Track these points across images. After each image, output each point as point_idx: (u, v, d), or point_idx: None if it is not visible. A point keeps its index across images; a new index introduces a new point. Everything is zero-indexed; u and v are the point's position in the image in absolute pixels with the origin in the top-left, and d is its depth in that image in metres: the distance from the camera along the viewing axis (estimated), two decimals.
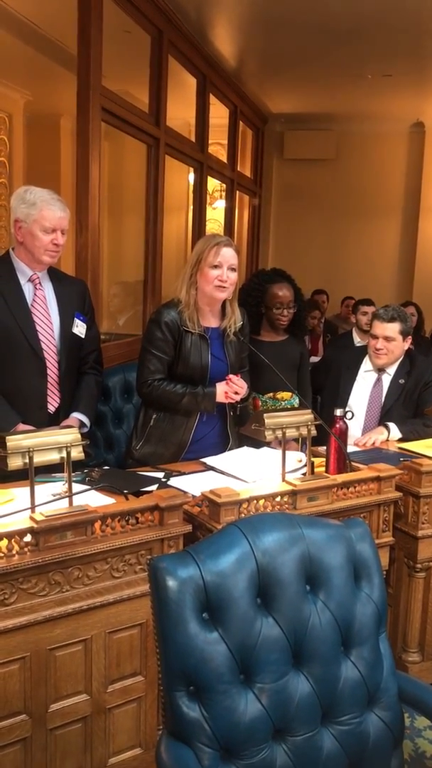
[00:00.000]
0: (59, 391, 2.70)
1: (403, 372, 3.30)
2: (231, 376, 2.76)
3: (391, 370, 3.32)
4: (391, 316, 3.22)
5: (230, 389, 2.72)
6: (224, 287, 2.69)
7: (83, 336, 2.78)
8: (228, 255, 2.68)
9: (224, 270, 2.67)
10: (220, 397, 2.74)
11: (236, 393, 2.74)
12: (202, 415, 2.80)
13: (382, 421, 3.26)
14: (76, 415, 2.72)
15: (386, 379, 3.31)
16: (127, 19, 4.55)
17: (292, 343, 3.49)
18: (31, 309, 2.64)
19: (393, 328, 3.21)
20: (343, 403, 3.26)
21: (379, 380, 3.32)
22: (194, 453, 2.80)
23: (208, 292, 2.71)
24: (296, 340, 3.52)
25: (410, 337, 3.30)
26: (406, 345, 3.30)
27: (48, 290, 2.71)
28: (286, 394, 3.33)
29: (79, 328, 2.75)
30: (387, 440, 3.13)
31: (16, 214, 2.60)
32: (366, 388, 3.34)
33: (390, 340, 3.23)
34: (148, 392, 2.77)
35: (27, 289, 2.65)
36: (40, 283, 2.67)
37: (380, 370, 3.32)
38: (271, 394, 3.37)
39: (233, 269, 2.69)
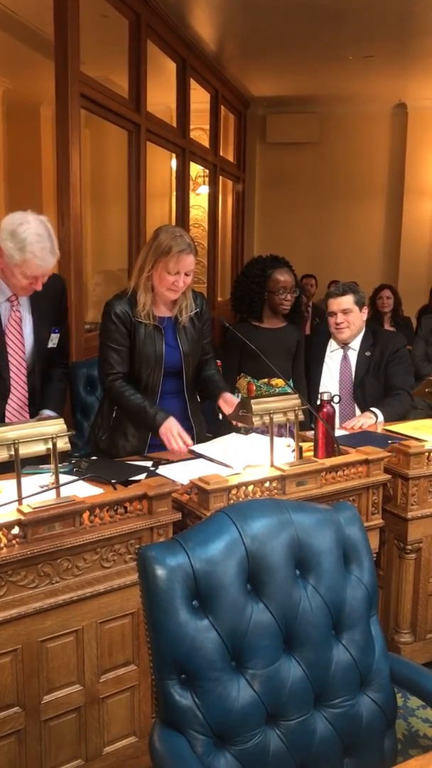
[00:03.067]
0: (28, 408, 2.65)
1: (368, 345, 3.38)
2: (186, 437, 2.65)
3: (356, 345, 3.39)
4: (343, 289, 3.34)
5: (174, 438, 2.61)
6: (179, 291, 2.70)
7: (56, 345, 2.72)
8: (187, 262, 2.65)
9: (181, 276, 2.66)
10: (163, 436, 2.65)
11: (180, 440, 2.64)
12: (161, 405, 2.77)
13: (356, 395, 3.32)
14: (47, 412, 2.67)
15: (352, 355, 3.39)
16: (104, 4, 4.50)
17: (290, 330, 3.47)
18: (5, 330, 2.55)
19: (347, 300, 3.31)
20: (316, 386, 3.34)
21: (345, 356, 3.40)
22: (159, 446, 2.74)
23: (162, 294, 2.71)
24: (294, 328, 3.50)
25: (366, 307, 3.40)
26: (364, 315, 3.38)
27: (24, 309, 2.62)
28: (280, 381, 3.34)
29: (54, 341, 2.70)
30: (375, 424, 3.15)
31: (2, 243, 2.41)
32: (335, 367, 3.41)
33: (348, 312, 3.31)
34: (109, 387, 2.75)
35: (3, 308, 2.56)
36: (17, 300, 2.58)
37: (345, 346, 3.39)
38: (266, 380, 3.38)
39: (188, 274, 2.68)
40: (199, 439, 2.87)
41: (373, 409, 3.21)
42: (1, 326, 2.54)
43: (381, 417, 3.19)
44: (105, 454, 2.81)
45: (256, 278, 3.39)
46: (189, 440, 2.65)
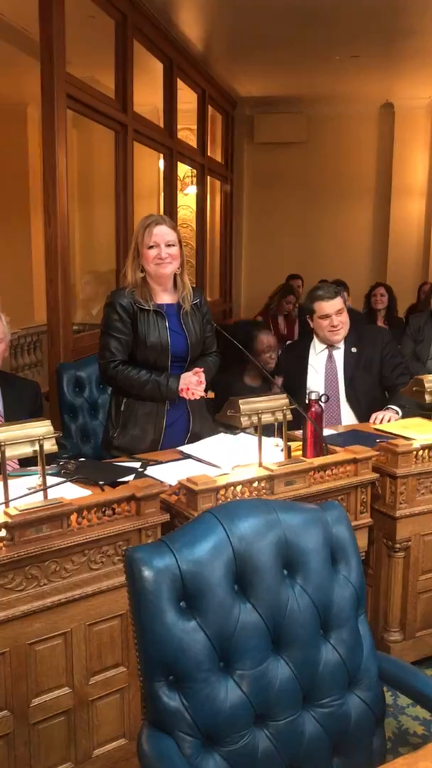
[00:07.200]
0: None
1: (352, 341, 3.36)
2: (198, 369, 2.78)
3: (341, 342, 3.37)
4: (334, 291, 3.34)
5: (192, 384, 2.74)
6: (165, 263, 2.71)
7: None
8: (162, 232, 2.69)
9: (161, 248, 2.69)
10: (185, 394, 2.75)
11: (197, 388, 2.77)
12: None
13: (348, 393, 3.30)
14: None
15: (338, 353, 3.36)
16: (90, 4, 4.49)
17: (265, 388, 3.58)
18: None
19: (339, 301, 3.31)
20: (303, 391, 3.30)
21: (330, 356, 3.37)
22: (171, 437, 2.79)
23: (153, 271, 2.74)
24: (269, 386, 3.59)
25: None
26: None
27: None
28: None
29: None
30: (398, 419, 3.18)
31: None
32: (320, 367, 3.39)
33: (341, 313, 3.31)
34: (112, 375, 2.77)
35: None
36: None
37: (331, 345, 3.37)
38: None
39: (171, 244, 2.71)
40: (202, 434, 2.89)
41: (393, 406, 3.23)
42: None
43: (401, 413, 3.20)
44: (122, 451, 2.80)
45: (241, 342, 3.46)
46: (203, 377, 2.77)
